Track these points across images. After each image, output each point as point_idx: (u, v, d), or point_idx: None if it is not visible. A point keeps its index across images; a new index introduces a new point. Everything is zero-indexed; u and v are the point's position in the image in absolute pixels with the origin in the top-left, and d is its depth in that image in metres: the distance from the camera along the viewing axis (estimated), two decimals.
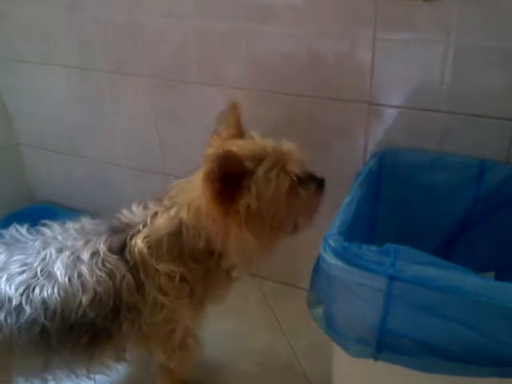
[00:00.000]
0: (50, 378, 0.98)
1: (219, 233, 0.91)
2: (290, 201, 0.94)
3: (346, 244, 0.79)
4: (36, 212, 1.78)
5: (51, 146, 1.77)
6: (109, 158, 1.66)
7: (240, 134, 1.00)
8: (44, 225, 1.00)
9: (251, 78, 1.28)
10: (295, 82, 1.23)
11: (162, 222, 0.95)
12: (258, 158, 0.91)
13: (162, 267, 0.92)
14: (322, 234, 0.84)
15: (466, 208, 1.14)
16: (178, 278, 0.93)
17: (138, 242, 0.92)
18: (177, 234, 0.94)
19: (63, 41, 1.51)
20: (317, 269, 0.87)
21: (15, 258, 0.92)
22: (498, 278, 1.13)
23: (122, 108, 1.54)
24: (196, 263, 0.95)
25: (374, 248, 0.78)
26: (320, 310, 0.89)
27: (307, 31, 1.15)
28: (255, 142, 0.96)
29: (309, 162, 1.30)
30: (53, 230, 0.98)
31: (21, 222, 1.02)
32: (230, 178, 0.86)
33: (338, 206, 0.96)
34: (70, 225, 0.99)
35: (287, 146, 0.97)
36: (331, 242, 0.81)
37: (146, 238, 0.93)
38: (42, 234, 0.98)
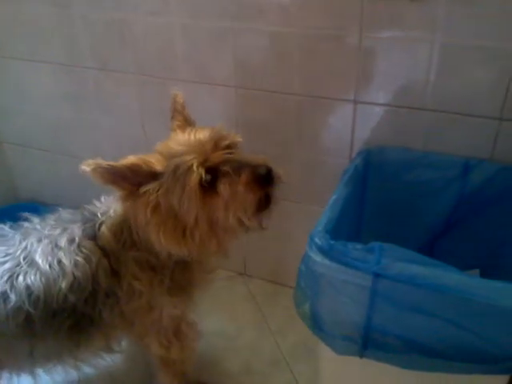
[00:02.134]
0: (38, 368, 0.99)
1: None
2: (210, 198, 0.86)
3: (332, 242, 0.80)
4: (20, 210, 1.75)
5: (36, 144, 1.75)
6: (94, 155, 1.63)
7: (187, 122, 0.98)
8: (25, 219, 1.01)
9: (239, 76, 1.27)
10: (283, 80, 1.23)
11: (118, 209, 0.95)
12: (173, 157, 0.87)
13: (129, 254, 0.93)
14: (309, 232, 0.85)
15: (452, 206, 1.15)
16: (145, 264, 0.94)
17: (105, 231, 0.93)
18: (127, 221, 0.93)
19: (49, 37, 1.49)
20: (303, 266, 0.87)
21: None
22: (483, 275, 1.14)
23: (109, 105, 1.53)
24: (156, 251, 0.93)
25: (359, 246, 0.78)
26: (306, 308, 0.90)
27: (295, 30, 1.15)
28: (181, 138, 0.91)
29: (295, 159, 1.31)
30: (32, 222, 0.99)
31: (5, 219, 1.02)
32: (124, 183, 0.86)
33: (324, 203, 0.96)
34: (50, 216, 1.01)
35: (213, 132, 0.90)
36: (317, 240, 0.81)
37: (110, 226, 0.94)
38: (23, 227, 0.99)
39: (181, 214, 0.86)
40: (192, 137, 0.90)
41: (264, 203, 0.90)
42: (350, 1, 1.06)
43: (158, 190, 0.85)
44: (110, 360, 1.07)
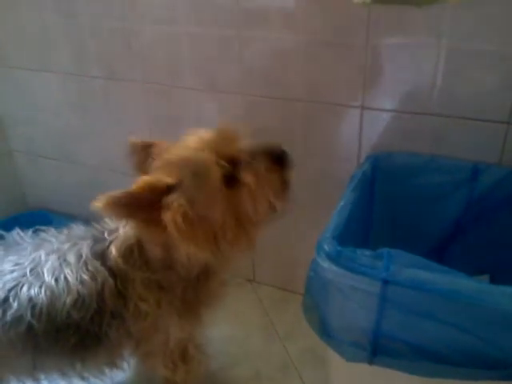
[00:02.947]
0: (42, 377, 0.98)
1: (169, 247, 0.88)
2: (235, 191, 0.84)
3: (340, 248, 0.79)
4: (31, 218, 1.77)
5: (44, 153, 1.77)
6: (103, 163, 1.66)
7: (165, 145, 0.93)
8: (43, 230, 1.01)
9: (245, 83, 1.28)
10: (289, 86, 1.23)
11: (130, 230, 0.92)
12: (184, 163, 0.84)
13: (137, 275, 0.90)
14: (317, 238, 0.85)
15: (460, 211, 1.14)
16: (154, 285, 0.91)
17: (113, 251, 0.91)
18: (139, 243, 0.91)
19: (57, 47, 1.50)
20: (311, 273, 0.87)
21: (9, 258, 0.94)
22: (493, 280, 1.13)
23: (116, 114, 1.54)
24: (168, 271, 0.92)
25: (367, 252, 0.78)
26: (315, 315, 0.89)
27: (300, 36, 1.16)
28: (181, 145, 0.88)
29: (303, 166, 1.31)
30: (48, 234, 0.99)
31: (15, 228, 1.02)
32: (141, 209, 0.80)
33: (332, 209, 0.96)
34: (64, 230, 1.00)
35: (217, 130, 0.88)
36: (325, 246, 0.81)
37: (119, 246, 0.91)
38: (39, 238, 0.99)
39: (208, 218, 0.82)
40: (196, 139, 0.87)
41: (284, 185, 0.90)
42: (355, 7, 1.07)
43: (181, 202, 0.81)
44: (114, 376, 1.07)
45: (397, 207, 1.16)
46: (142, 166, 0.93)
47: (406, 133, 1.15)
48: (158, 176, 0.83)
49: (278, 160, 0.88)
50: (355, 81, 1.14)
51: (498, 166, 1.09)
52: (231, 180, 0.84)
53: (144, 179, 0.82)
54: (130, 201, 0.79)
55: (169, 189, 0.82)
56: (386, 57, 1.10)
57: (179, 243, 0.84)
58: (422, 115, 1.11)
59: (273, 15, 1.16)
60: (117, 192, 0.77)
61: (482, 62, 1.02)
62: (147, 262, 0.91)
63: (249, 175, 0.84)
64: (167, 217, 0.80)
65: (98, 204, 0.76)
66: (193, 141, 0.87)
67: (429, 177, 1.13)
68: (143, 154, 0.94)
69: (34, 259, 0.92)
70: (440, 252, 1.20)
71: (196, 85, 1.34)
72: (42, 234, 0.99)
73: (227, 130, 0.88)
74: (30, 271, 0.90)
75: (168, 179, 0.82)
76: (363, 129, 1.19)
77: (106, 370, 1.02)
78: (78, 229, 0.99)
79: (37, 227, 1.02)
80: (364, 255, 0.78)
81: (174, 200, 0.81)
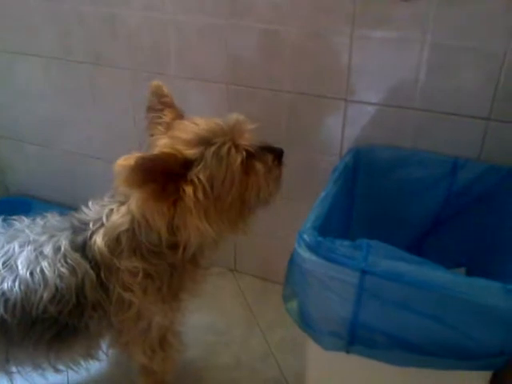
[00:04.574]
0: (14, 370, 0.96)
1: (174, 225, 0.88)
2: (246, 177, 0.90)
3: (320, 239, 0.81)
4: (10, 204, 1.75)
5: (27, 138, 1.75)
6: (86, 150, 1.64)
7: (178, 114, 0.97)
8: (16, 219, 0.98)
9: (230, 73, 1.28)
10: (274, 77, 1.23)
11: (117, 219, 0.91)
12: (205, 141, 0.87)
13: (124, 264, 0.89)
14: (299, 229, 0.85)
15: (440, 204, 1.16)
16: (141, 274, 0.91)
17: (98, 241, 0.90)
18: (131, 230, 0.90)
19: (42, 30, 1.48)
20: (291, 263, 0.88)
21: None
22: (470, 273, 1.15)
23: (100, 100, 1.52)
24: (158, 258, 0.92)
25: (346, 243, 0.79)
26: (294, 304, 0.90)
27: (286, 27, 1.16)
28: (198, 124, 0.90)
29: (286, 157, 1.32)
30: (21, 224, 0.97)
31: None
32: (161, 177, 0.81)
33: (314, 201, 0.97)
34: (38, 220, 0.97)
35: (233, 119, 0.92)
36: (305, 237, 0.82)
37: (104, 236, 0.90)
38: (12, 228, 0.96)
39: (222, 197, 0.87)
40: (212, 124, 0.90)
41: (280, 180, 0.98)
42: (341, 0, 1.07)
43: (203, 178, 0.84)
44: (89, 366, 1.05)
45: (378, 200, 1.18)
46: (152, 115, 0.98)
47: (389, 126, 1.16)
48: (178, 147, 0.85)
49: (279, 157, 0.96)
50: (340, 73, 1.15)
51: (477, 161, 1.11)
52: (245, 167, 0.89)
53: (166, 148, 0.85)
54: (154, 166, 0.79)
55: (186, 163, 0.84)
56: (371, 50, 1.10)
57: (193, 218, 0.85)
58: (405, 109, 1.13)
59: (259, 6, 1.16)
60: (141, 154, 0.78)
61: (465, 59, 1.03)
62: (135, 250, 0.90)
63: (260, 165, 0.92)
64: (189, 190, 0.83)
65: (124, 163, 0.76)
66: (208, 124, 0.90)
67: (410, 170, 1.14)
68: (158, 104, 0.98)
69: (7, 251, 0.89)
70: (419, 244, 1.21)
71: (181, 73, 1.34)
72: (16, 225, 0.96)
73: (242, 122, 0.93)
74: (3, 264, 0.87)
75: (188, 153, 0.85)
76: (346, 121, 1.20)
77: (81, 361, 1.01)
78: (54, 219, 0.97)
79: (4, 217, 0.99)
80: (343, 246, 0.79)
81: (197, 175, 0.84)
